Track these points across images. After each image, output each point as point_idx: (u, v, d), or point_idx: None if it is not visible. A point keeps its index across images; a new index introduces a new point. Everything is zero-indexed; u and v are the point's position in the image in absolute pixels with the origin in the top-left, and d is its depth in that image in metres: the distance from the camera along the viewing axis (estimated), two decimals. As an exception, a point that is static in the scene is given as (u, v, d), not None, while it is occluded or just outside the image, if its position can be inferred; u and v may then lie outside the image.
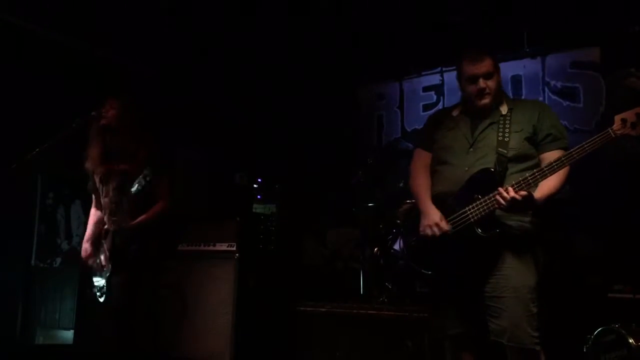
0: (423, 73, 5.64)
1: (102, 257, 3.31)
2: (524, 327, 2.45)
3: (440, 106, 5.44)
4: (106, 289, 3.27)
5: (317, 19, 5.19)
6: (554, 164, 2.39)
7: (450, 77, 5.40)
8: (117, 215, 3.31)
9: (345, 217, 5.03)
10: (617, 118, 2.32)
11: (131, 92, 3.66)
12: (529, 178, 2.41)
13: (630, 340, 2.96)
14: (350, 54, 5.61)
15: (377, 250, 4.37)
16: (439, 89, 5.53)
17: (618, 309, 3.40)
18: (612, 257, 3.80)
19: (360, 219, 4.73)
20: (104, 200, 3.40)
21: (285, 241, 4.72)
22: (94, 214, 3.52)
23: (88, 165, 3.42)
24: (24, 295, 5.62)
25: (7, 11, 4.56)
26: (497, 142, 2.61)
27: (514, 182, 2.43)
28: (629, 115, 2.29)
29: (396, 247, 4.18)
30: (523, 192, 2.40)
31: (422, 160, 2.89)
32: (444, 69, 5.47)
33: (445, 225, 2.58)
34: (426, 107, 5.57)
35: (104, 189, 3.40)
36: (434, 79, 5.57)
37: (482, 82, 2.64)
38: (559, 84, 4.86)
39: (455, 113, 2.86)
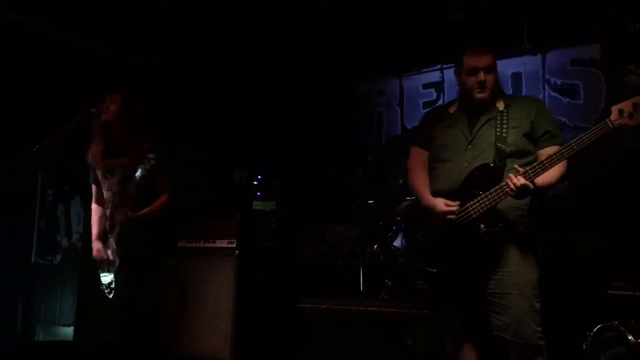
0: (423, 70, 5.64)
1: (110, 252, 3.31)
2: (528, 322, 2.48)
3: (440, 103, 5.44)
4: (114, 284, 3.27)
5: (317, 15, 5.18)
6: (554, 156, 2.42)
7: (450, 74, 5.33)
8: (121, 208, 3.28)
9: (345, 214, 5.02)
10: (614, 109, 2.35)
11: (131, 88, 3.64)
12: (537, 167, 2.42)
13: (630, 337, 2.96)
14: (351, 50, 5.60)
15: (376, 247, 4.37)
16: (439, 86, 5.53)
17: (617, 305, 3.40)
18: (612, 254, 3.80)
19: (360, 216, 4.72)
20: (106, 194, 3.38)
21: (285, 238, 4.72)
22: (96, 211, 3.50)
23: (90, 159, 3.40)
24: (24, 292, 5.64)
25: (6, 7, 4.56)
26: (495, 138, 2.62)
27: (521, 171, 2.43)
28: (625, 105, 2.33)
29: (396, 244, 4.18)
30: (530, 182, 2.42)
31: (419, 158, 2.89)
32: (444, 66, 5.48)
33: (453, 207, 2.58)
34: (426, 105, 5.57)
35: (106, 183, 3.39)
36: (434, 76, 5.57)
37: (482, 75, 2.65)
38: (559, 81, 4.87)
39: (452, 110, 2.86)
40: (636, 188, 3.95)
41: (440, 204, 2.62)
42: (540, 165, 2.43)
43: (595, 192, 4.17)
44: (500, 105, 2.70)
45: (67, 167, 5.25)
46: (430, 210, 2.67)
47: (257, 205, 5.06)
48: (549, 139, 2.61)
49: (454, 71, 2.82)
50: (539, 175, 2.43)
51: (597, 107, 4.64)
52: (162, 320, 3.97)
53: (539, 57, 4.97)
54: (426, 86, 5.62)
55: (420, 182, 2.81)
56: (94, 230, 3.47)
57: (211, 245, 4.40)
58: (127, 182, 3.27)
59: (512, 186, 2.43)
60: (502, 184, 2.48)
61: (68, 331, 5.22)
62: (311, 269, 4.96)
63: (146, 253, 3.25)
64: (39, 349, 5.42)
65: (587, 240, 3.90)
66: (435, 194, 2.70)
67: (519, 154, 2.60)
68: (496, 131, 2.64)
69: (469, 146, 2.68)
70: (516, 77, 4.98)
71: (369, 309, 3.78)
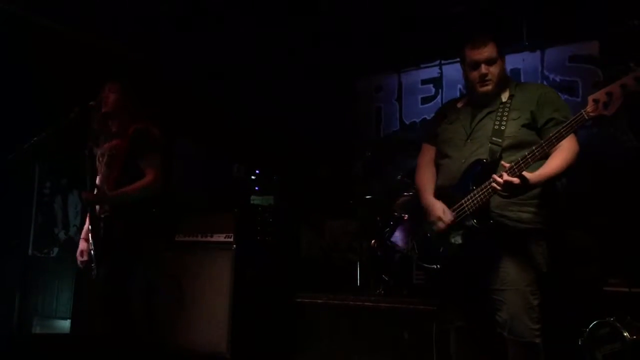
0: (422, 66, 5.63)
1: (92, 251, 3.22)
2: (524, 319, 2.44)
3: (438, 99, 5.45)
4: (101, 274, 3.19)
5: (316, 11, 5.17)
6: (534, 149, 2.33)
7: (449, 70, 5.43)
8: (104, 189, 3.22)
9: (343, 209, 5.03)
10: (590, 99, 2.25)
11: (130, 80, 3.61)
12: (521, 162, 2.33)
13: (625, 334, 2.98)
14: (349, 45, 5.59)
15: (374, 242, 4.38)
16: (437, 81, 5.52)
17: (613, 302, 3.41)
18: (608, 250, 3.81)
19: (358, 211, 4.73)
20: (98, 179, 3.32)
21: (282, 233, 4.72)
22: None
23: (89, 148, 3.35)
24: (21, 285, 5.62)
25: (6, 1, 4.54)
26: (492, 132, 2.57)
27: (507, 167, 2.35)
28: (600, 95, 2.22)
29: (393, 239, 4.19)
30: (515, 178, 2.33)
31: (427, 154, 2.87)
32: (442, 62, 5.47)
33: (448, 216, 2.56)
34: (424, 100, 5.57)
35: (100, 168, 3.33)
36: (432, 72, 5.57)
37: (484, 68, 2.59)
38: (557, 78, 4.86)
39: (460, 104, 2.82)
40: (632, 185, 3.96)
41: (437, 209, 2.60)
42: (524, 160, 2.32)
43: (592, 189, 4.17)
44: (505, 96, 2.63)
45: (65, 159, 5.24)
46: (426, 211, 2.67)
47: (255, 199, 5.06)
48: (554, 126, 2.44)
49: (460, 62, 2.75)
50: (523, 170, 2.33)
51: (595, 105, 4.63)
52: (159, 313, 3.97)
53: (537, 53, 4.96)
54: (425, 82, 5.61)
55: (424, 180, 2.80)
56: (85, 226, 3.39)
57: (209, 239, 4.39)
58: (111, 163, 3.21)
59: (496, 187, 2.36)
60: (490, 180, 2.41)
61: (65, 324, 5.22)
62: (309, 263, 4.96)
63: (125, 237, 3.13)
64: (36, 342, 5.41)
65: (584, 236, 3.91)
66: (438, 190, 2.69)
67: (517, 146, 2.51)
68: (494, 124, 2.57)
69: (467, 141, 2.65)
70: (515, 73, 4.97)
71: (365, 303, 3.79)
